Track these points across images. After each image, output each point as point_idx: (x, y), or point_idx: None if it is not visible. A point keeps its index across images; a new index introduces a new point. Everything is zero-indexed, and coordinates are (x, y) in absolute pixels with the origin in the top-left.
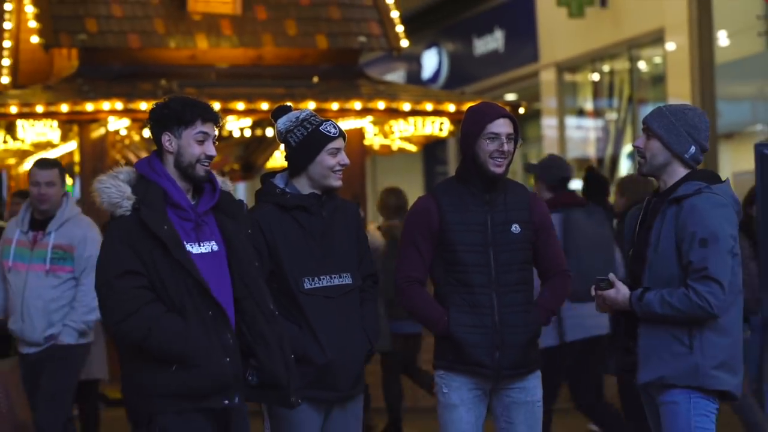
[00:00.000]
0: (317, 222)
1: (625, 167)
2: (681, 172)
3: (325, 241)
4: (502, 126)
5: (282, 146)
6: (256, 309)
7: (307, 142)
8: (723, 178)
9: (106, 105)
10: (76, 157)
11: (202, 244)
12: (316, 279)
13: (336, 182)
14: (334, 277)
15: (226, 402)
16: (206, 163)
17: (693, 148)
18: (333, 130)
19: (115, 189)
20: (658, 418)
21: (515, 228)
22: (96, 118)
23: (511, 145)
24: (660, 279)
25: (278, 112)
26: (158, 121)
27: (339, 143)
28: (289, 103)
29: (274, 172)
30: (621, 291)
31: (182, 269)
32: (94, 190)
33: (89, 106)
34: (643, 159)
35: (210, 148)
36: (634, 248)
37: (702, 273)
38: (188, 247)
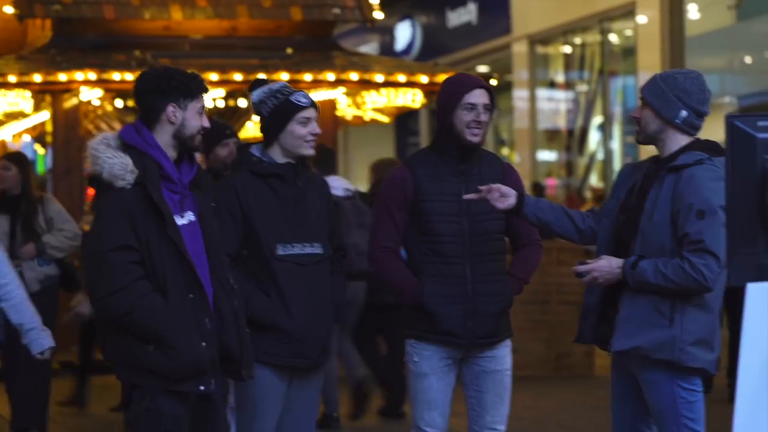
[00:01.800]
0: (292, 190)
1: (594, 138)
2: (680, 139)
3: (299, 209)
4: (479, 96)
5: (257, 117)
6: (217, 283)
7: (278, 111)
8: None
9: (79, 75)
10: (49, 127)
11: (183, 215)
12: (288, 246)
13: (308, 151)
14: (306, 246)
15: (202, 388)
16: (200, 135)
17: (684, 113)
18: (304, 100)
19: (119, 160)
20: (624, 388)
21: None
22: (69, 89)
23: (487, 116)
24: (652, 248)
25: (254, 85)
26: (162, 91)
27: (310, 113)
28: (264, 76)
29: (250, 143)
30: (611, 260)
31: (174, 247)
32: (92, 157)
33: (62, 77)
34: (639, 128)
35: (206, 120)
36: (627, 214)
37: (698, 245)
38: (176, 219)
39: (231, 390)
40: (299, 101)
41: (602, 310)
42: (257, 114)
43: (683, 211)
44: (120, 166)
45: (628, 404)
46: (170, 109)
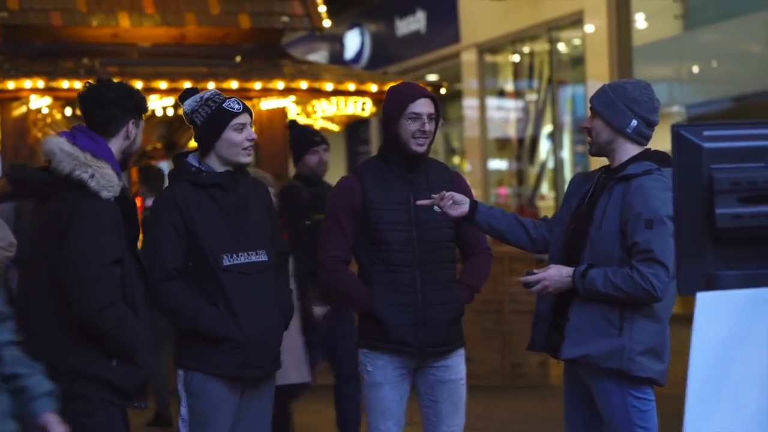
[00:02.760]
0: (233, 199)
1: (545, 147)
2: (631, 149)
3: (242, 217)
4: (423, 106)
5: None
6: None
7: (212, 120)
8: None
9: (27, 83)
10: None
11: None
12: (234, 256)
13: (245, 158)
14: (252, 254)
15: (144, 405)
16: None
17: (634, 122)
18: (236, 106)
19: (108, 171)
20: (576, 396)
21: (437, 207)
22: (17, 96)
23: (432, 125)
24: (601, 257)
25: (185, 95)
26: (124, 105)
27: (244, 118)
28: (207, 86)
29: (186, 153)
30: (561, 268)
31: (139, 265)
32: (76, 162)
33: (10, 84)
34: (590, 138)
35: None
36: (577, 223)
37: (647, 255)
38: None
39: (183, 402)
40: (232, 107)
41: (553, 318)
42: (190, 123)
43: (632, 220)
44: (110, 177)
45: (579, 412)
46: (131, 124)
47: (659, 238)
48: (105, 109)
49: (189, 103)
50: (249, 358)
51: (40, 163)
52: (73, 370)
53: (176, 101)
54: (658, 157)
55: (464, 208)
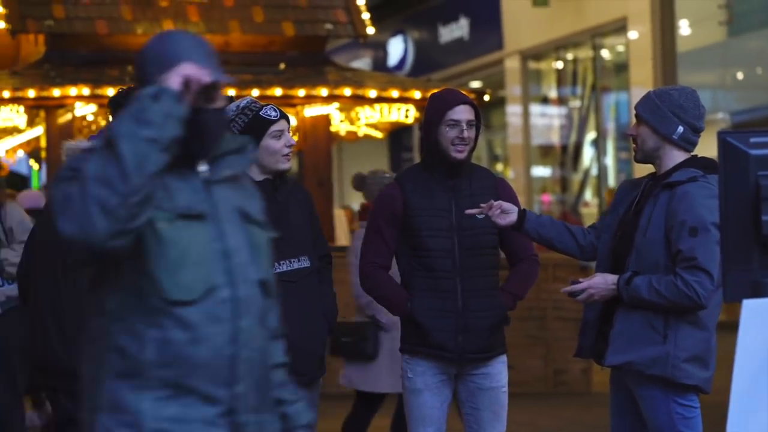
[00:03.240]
0: (273, 208)
1: (588, 154)
2: (677, 156)
3: (282, 226)
4: (462, 113)
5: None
6: None
7: (250, 128)
8: None
9: (72, 91)
10: (43, 143)
11: None
12: (276, 265)
13: (285, 165)
14: (294, 261)
15: None
16: None
17: (681, 128)
18: (273, 113)
19: None
20: (622, 403)
21: (480, 214)
22: (63, 104)
23: (472, 132)
24: (646, 264)
25: None
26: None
27: (281, 125)
28: (251, 93)
29: None
30: (606, 276)
31: None
32: None
33: (56, 92)
34: (636, 146)
35: None
36: (623, 230)
37: (691, 262)
38: None
39: None
40: (269, 115)
41: (600, 326)
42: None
43: (676, 227)
44: None
45: (625, 419)
46: None
47: (704, 246)
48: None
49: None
50: (294, 364)
51: None
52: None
53: None
54: (704, 163)
55: (512, 217)
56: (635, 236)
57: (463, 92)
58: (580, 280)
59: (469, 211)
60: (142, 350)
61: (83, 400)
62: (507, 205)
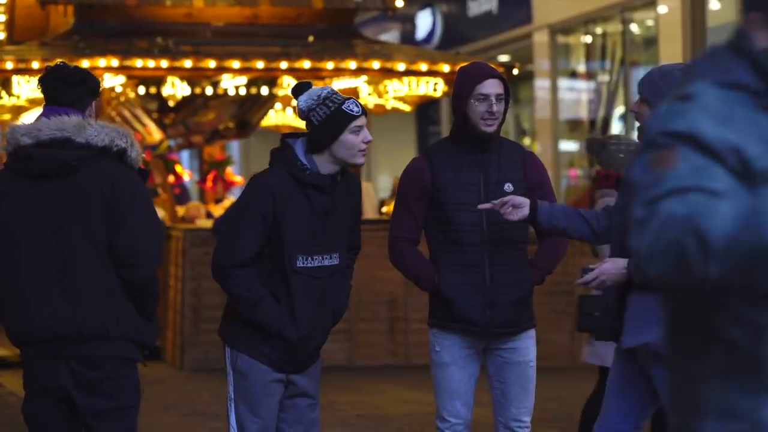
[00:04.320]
0: (327, 202)
1: (616, 129)
2: None
3: (329, 220)
4: (491, 87)
5: (290, 112)
6: None
7: (330, 121)
8: None
9: (101, 62)
10: None
11: None
12: (309, 259)
13: (360, 159)
14: (326, 258)
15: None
16: None
17: None
18: (356, 109)
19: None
20: (627, 383)
21: (508, 186)
22: None
23: (501, 105)
24: None
25: (298, 89)
26: (94, 90)
27: (362, 121)
28: (280, 65)
29: (295, 135)
30: (617, 261)
31: None
32: (121, 136)
33: (85, 63)
34: (639, 123)
35: None
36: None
37: None
38: None
39: (230, 380)
40: (351, 110)
41: (618, 307)
42: (304, 120)
43: None
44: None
45: (623, 400)
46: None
47: None
48: (75, 89)
49: (305, 99)
50: (294, 356)
51: None
52: (124, 333)
53: (249, 81)
54: None
55: (525, 211)
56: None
57: (492, 66)
58: (591, 267)
59: (482, 206)
60: (758, 343)
61: (675, 398)
62: (519, 200)
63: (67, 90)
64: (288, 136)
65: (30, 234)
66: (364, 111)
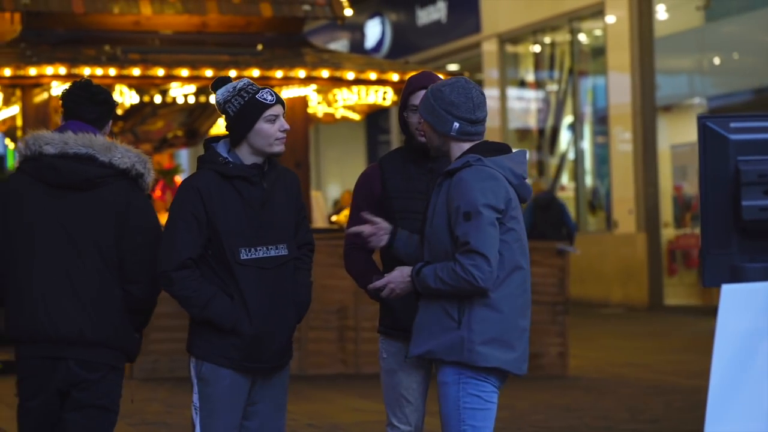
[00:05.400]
0: (258, 192)
1: (565, 138)
2: (463, 146)
3: (265, 211)
4: (420, 98)
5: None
6: None
7: (245, 110)
8: (658, 150)
9: (49, 70)
10: (19, 122)
11: None
12: (252, 250)
13: (278, 148)
14: (271, 249)
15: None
16: None
17: (456, 125)
18: (269, 98)
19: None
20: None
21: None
22: (39, 83)
23: None
24: (437, 253)
25: (218, 84)
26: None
27: (277, 110)
28: (229, 74)
29: (217, 138)
30: (403, 269)
31: None
32: (141, 162)
33: (32, 71)
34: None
35: None
36: (421, 223)
37: (466, 247)
38: None
39: (195, 389)
40: (265, 99)
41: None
42: (222, 113)
43: (453, 214)
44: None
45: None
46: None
47: (476, 229)
48: (97, 107)
49: (222, 92)
50: (255, 352)
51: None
52: (121, 344)
53: (197, 89)
54: (489, 147)
55: (384, 239)
56: (425, 227)
57: (440, 75)
58: (384, 275)
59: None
60: None
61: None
62: (386, 226)
63: (91, 107)
64: (211, 140)
65: (44, 237)
66: (280, 100)
